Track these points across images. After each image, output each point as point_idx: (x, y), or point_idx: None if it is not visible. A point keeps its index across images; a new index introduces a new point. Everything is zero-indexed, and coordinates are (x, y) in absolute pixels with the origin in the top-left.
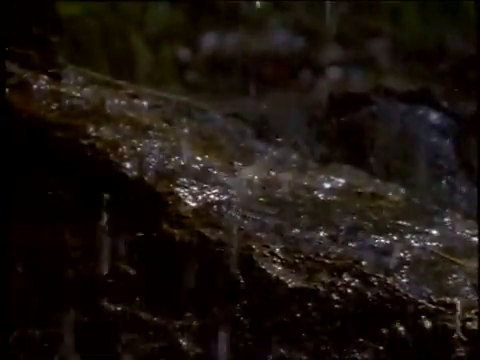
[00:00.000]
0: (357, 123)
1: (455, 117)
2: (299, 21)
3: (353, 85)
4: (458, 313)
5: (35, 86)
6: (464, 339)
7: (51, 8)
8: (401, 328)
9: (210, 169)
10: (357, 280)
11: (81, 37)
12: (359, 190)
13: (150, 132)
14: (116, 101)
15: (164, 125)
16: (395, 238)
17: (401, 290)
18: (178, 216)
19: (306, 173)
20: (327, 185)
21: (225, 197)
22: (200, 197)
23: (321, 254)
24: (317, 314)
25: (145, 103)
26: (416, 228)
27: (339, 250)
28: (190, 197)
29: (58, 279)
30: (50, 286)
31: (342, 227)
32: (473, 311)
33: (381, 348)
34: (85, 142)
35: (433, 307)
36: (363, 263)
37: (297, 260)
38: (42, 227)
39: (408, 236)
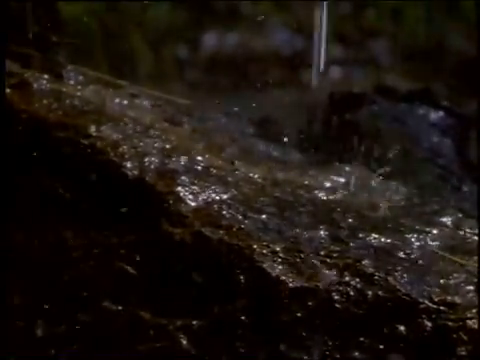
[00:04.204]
0: (358, 122)
1: (456, 116)
2: (300, 20)
3: (354, 84)
4: (459, 312)
5: (36, 86)
6: (465, 338)
7: (52, 8)
8: (402, 327)
9: (211, 168)
10: (358, 279)
11: (82, 37)
12: (360, 189)
13: (151, 132)
14: (117, 101)
15: (165, 125)
16: (396, 237)
17: (402, 289)
18: (179, 215)
19: (307, 172)
20: (328, 184)
21: (226, 196)
22: (201, 196)
23: (322, 253)
24: (318, 314)
25: (146, 103)
26: (417, 227)
27: (340, 249)
28: (191, 196)
29: (58, 279)
30: (50, 286)
31: (343, 226)
32: (474, 310)
33: (382, 347)
34: (86, 142)
35: (434, 306)
36: (364, 262)
37: (298, 259)
38: (42, 227)
39: (409, 235)
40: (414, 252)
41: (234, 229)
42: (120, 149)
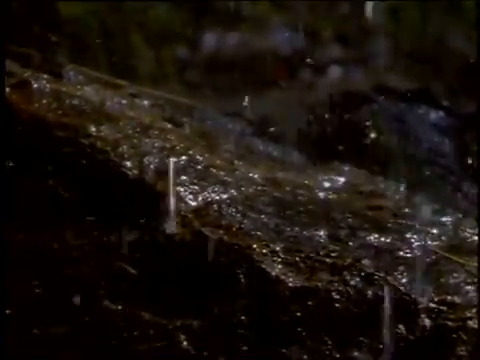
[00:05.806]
0: (357, 122)
1: (455, 116)
2: (299, 20)
3: (353, 84)
4: (458, 312)
5: (36, 85)
6: (464, 338)
7: (52, 8)
8: (401, 327)
9: (210, 168)
10: (357, 279)
11: (82, 37)
12: (359, 189)
13: (150, 131)
14: (117, 100)
15: (164, 124)
16: (395, 237)
17: (401, 289)
18: (178, 215)
19: (306, 172)
20: (327, 184)
21: (225, 196)
22: (200, 196)
23: (321, 253)
24: (317, 313)
25: (146, 102)
26: (416, 227)
27: (339, 249)
28: (191, 196)
29: (58, 279)
30: (50, 286)
31: (342, 226)
32: (474, 310)
33: (381, 347)
34: (86, 141)
35: (434, 306)
36: (363, 262)
37: (297, 259)
38: (43, 227)
39: (408, 235)
40: (414, 252)
41: (234, 229)
42: (120, 149)
